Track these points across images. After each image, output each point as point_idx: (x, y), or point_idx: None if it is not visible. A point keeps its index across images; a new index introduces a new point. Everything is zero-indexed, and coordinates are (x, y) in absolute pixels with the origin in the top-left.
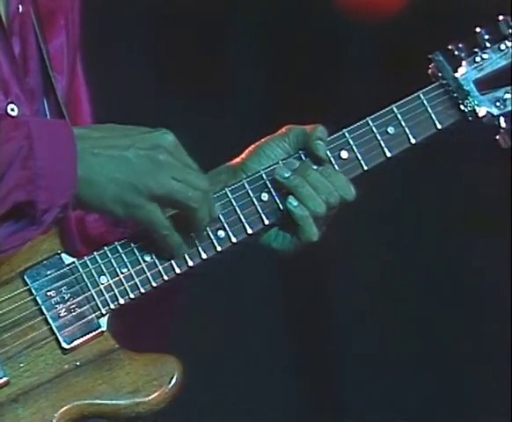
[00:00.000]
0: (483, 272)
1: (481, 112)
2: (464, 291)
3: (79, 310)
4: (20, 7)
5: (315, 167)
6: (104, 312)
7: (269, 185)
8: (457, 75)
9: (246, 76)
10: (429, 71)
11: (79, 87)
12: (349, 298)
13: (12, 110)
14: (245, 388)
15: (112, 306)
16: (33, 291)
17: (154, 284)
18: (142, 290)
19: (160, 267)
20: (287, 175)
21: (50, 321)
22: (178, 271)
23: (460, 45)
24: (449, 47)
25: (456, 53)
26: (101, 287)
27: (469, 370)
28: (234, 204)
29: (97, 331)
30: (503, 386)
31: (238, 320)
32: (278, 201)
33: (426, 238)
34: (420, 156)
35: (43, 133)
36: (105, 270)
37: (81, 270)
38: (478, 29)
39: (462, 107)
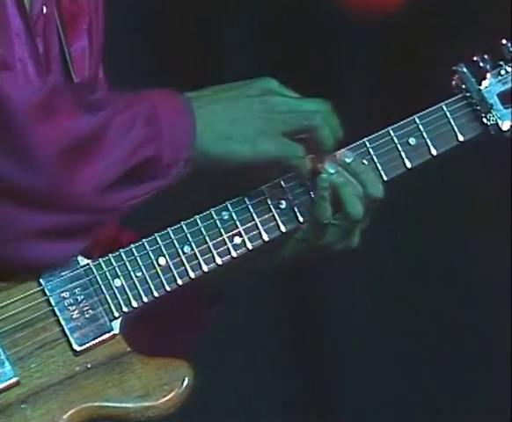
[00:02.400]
0: (483, 271)
1: (504, 125)
2: (464, 290)
3: (92, 312)
4: (44, 8)
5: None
6: (117, 315)
7: (251, 210)
8: (480, 87)
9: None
10: (453, 83)
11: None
12: (347, 296)
13: None
14: (240, 387)
15: (125, 309)
16: (47, 292)
17: (168, 288)
18: (156, 294)
19: (174, 271)
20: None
21: (63, 322)
22: (192, 276)
23: (486, 56)
24: (475, 58)
25: (481, 65)
26: (115, 289)
27: (469, 370)
28: (251, 210)
29: (109, 334)
30: (503, 386)
31: (234, 318)
32: (296, 209)
33: (425, 237)
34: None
35: (159, 97)
36: (119, 272)
37: (95, 272)
38: (504, 41)
39: (485, 120)
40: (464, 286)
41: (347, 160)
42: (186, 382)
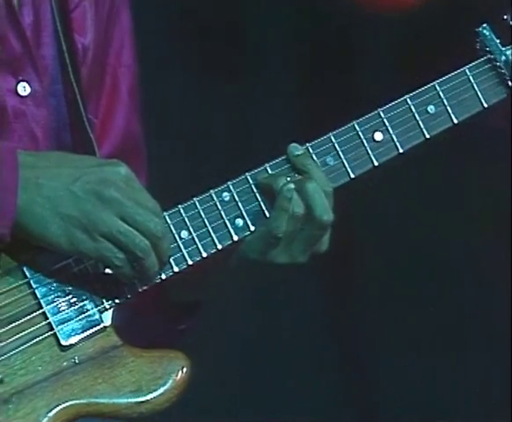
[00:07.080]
0: (483, 270)
1: None
2: (464, 290)
3: (80, 304)
4: None
5: None
6: (107, 307)
7: (254, 190)
8: (505, 49)
9: (275, 63)
10: (477, 45)
11: (119, 45)
12: (348, 296)
13: (24, 88)
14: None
15: (117, 300)
16: (33, 284)
17: (164, 276)
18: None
19: (171, 258)
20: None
21: (49, 315)
22: (176, 269)
23: None
24: (505, 17)
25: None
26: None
27: (468, 369)
28: (254, 190)
29: (99, 327)
30: (503, 387)
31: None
32: (263, 206)
33: (426, 235)
34: (421, 153)
35: None
36: None
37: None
38: None
39: (510, 83)
40: (464, 285)
41: (296, 153)
42: (182, 375)
